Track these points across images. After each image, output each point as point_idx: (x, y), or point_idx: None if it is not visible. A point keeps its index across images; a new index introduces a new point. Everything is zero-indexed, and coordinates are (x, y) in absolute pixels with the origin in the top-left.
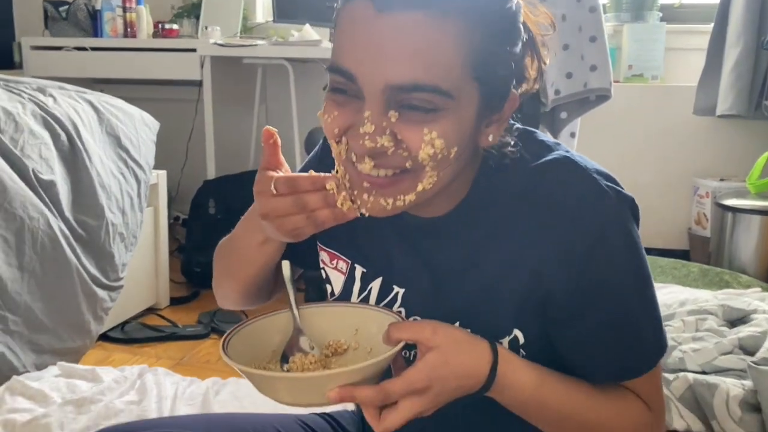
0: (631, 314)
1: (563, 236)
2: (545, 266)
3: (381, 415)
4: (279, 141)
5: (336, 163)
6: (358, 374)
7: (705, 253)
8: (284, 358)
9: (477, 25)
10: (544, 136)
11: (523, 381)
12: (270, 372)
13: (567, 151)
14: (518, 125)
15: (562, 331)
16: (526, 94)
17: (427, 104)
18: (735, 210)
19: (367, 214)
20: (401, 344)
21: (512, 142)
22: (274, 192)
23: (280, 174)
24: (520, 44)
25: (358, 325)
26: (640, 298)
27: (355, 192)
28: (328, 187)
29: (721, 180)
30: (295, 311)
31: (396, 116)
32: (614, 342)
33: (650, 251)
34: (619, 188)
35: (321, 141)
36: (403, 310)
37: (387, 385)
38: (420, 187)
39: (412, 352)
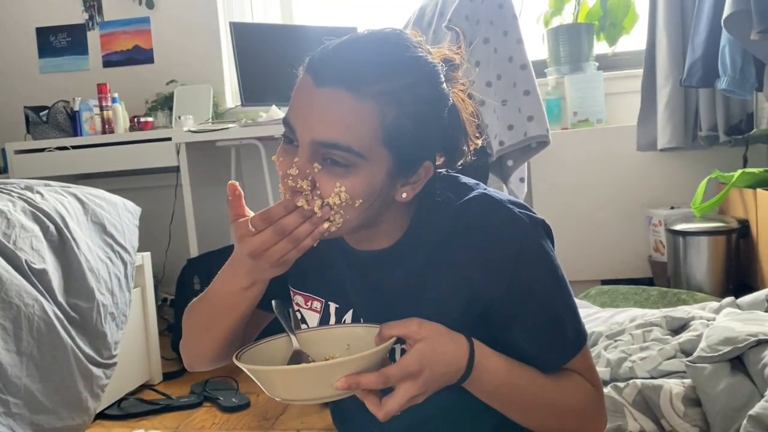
0: (555, 309)
1: (490, 257)
2: (480, 284)
3: (381, 402)
4: (242, 193)
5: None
6: (362, 361)
7: (665, 277)
8: None
9: (390, 107)
10: (466, 178)
11: (496, 366)
12: (289, 366)
13: (485, 189)
14: (443, 172)
15: (503, 332)
16: (466, 162)
17: (342, 160)
18: (685, 234)
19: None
20: (393, 339)
21: (439, 188)
22: (253, 230)
23: (252, 214)
24: (438, 126)
25: (348, 341)
26: (559, 295)
27: None
28: (299, 204)
29: (671, 208)
30: (292, 334)
31: (319, 168)
32: (546, 334)
33: (617, 281)
34: (531, 213)
35: None
36: None
37: (386, 370)
38: (333, 227)
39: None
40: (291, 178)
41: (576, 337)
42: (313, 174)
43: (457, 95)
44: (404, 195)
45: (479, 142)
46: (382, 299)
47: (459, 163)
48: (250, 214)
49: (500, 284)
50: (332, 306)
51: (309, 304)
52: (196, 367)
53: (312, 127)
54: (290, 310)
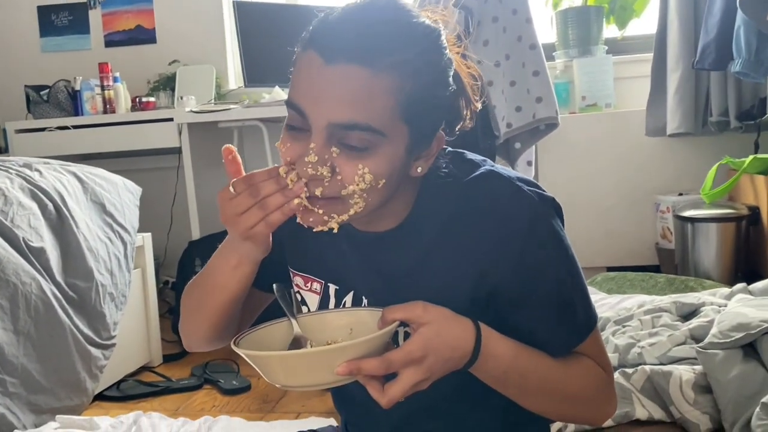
0: (564, 291)
1: (499, 237)
2: (488, 265)
3: (384, 388)
4: (239, 157)
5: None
6: (364, 346)
7: (672, 265)
8: None
9: (407, 78)
10: (472, 155)
11: (503, 350)
12: (288, 352)
13: (492, 166)
14: (449, 148)
15: (511, 315)
16: (465, 129)
17: (362, 142)
18: (693, 220)
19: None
20: (396, 323)
21: (444, 164)
22: (233, 192)
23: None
24: (448, 92)
25: (351, 325)
26: (569, 276)
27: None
28: (280, 171)
29: (680, 194)
30: (293, 318)
31: (337, 152)
32: (555, 316)
33: (623, 269)
34: (540, 191)
35: None
36: None
37: (389, 355)
38: (352, 211)
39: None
40: (310, 166)
41: (586, 320)
42: (332, 159)
43: (456, 57)
44: (419, 170)
45: (479, 105)
46: (385, 281)
47: (457, 128)
48: None
49: (508, 265)
50: (332, 287)
51: (309, 285)
52: (193, 347)
53: (327, 109)
54: (291, 291)
